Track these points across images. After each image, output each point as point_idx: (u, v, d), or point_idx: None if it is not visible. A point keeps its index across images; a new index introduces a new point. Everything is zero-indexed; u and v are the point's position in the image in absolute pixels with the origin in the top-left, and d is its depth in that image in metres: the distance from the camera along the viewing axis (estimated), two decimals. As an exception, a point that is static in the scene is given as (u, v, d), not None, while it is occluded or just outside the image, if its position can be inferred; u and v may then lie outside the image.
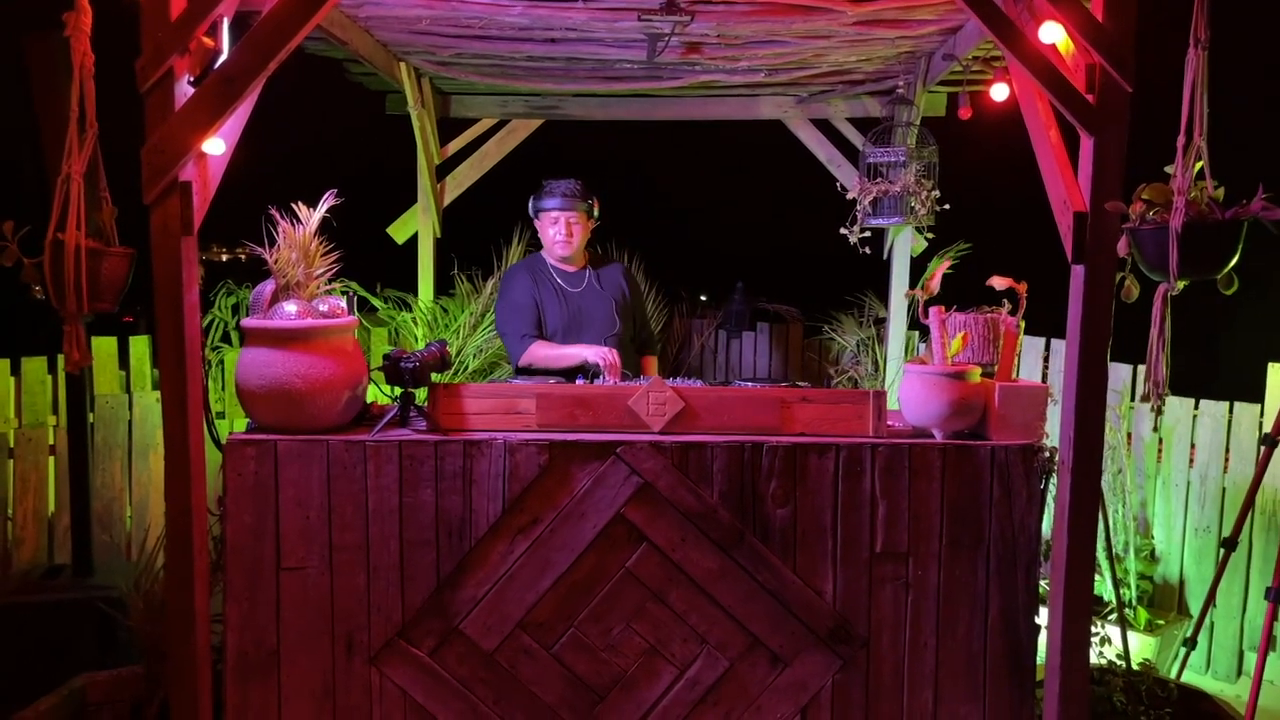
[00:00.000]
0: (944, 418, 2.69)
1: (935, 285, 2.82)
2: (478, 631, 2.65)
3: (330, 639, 2.63)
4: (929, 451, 2.67)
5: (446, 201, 4.93)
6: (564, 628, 2.66)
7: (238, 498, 2.58)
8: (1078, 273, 2.52)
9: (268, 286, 2.69)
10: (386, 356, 2.69)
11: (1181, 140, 2.39)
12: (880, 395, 2.76)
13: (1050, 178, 2.61)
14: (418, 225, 4.86)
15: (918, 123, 4.17)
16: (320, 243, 2.74)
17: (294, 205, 2.73)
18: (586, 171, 3.78)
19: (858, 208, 4.09)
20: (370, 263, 5.24)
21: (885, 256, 4.83)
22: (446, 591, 2.64)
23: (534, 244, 4.86)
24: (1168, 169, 2.44)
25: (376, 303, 4.73)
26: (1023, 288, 2.82)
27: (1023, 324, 2.84)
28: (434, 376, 2.78)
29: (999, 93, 3.12)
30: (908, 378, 2.77)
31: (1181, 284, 2.41)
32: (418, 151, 4.70)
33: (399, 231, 4.90)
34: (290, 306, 2.65)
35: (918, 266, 4.80)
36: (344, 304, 2.77)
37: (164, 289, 2.45)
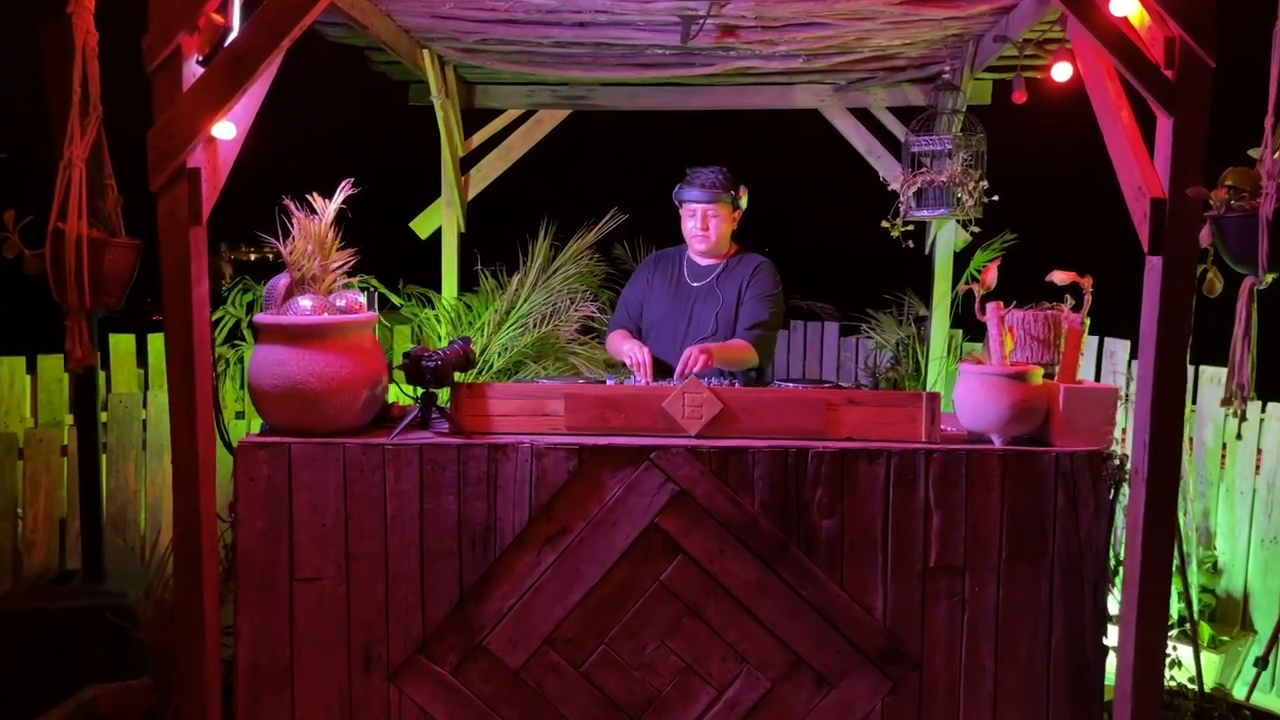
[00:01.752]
0: (1004, 422, 2.49)
1: (991, 279, 2.63)
2: (503, 647, 2.49)
3: (347, 653, 2.47)
4: (988, 458, 2.48)
5: (471, 195, 4.78)
6: (594, 644, 2.49)
7: (250, 503, 2.43)
8: (1154, 265, 2.32)
9: (281, 280, 2.54)
10: (407, 355, 2.54)
11: (1270, 120, 2.19)
12: (934, 397, 2.57)
13: (1123, 162, 2.41)
14: (441, 220, 4.71)
15: (964, 109, 3.97)
16: (337, 235, 2.59)
17: (309, 196, 2.58)
18: (613, 164, 3.62)
19: (901, 199, 3.89)
20: (392, 259, 5.11)
21: (926, 251, 4.63)
22: (470, 604, 2.48)
23: (560, 239, 4.72)
24: (1252, 152, 2.24)
25: (398, 300, 4.59)
26: (1087, 282, 2.62)
27: (1087, 321, 2.64)
28: (457, 376, 2.63)
29: (1060, 73, 2.92)
30: (964, 379, 2.57)
31: (1270, 277, 2.21)
32: (441, 143, 4.55)
33: (422, 226, 4.75)
34: (305, 302, 2.50)
35: (960, 262, 4.60)
36: (363, 299, 2.62)
37: (171, 281, 2.31)
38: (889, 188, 4.09)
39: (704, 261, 3.42)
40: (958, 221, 4.07)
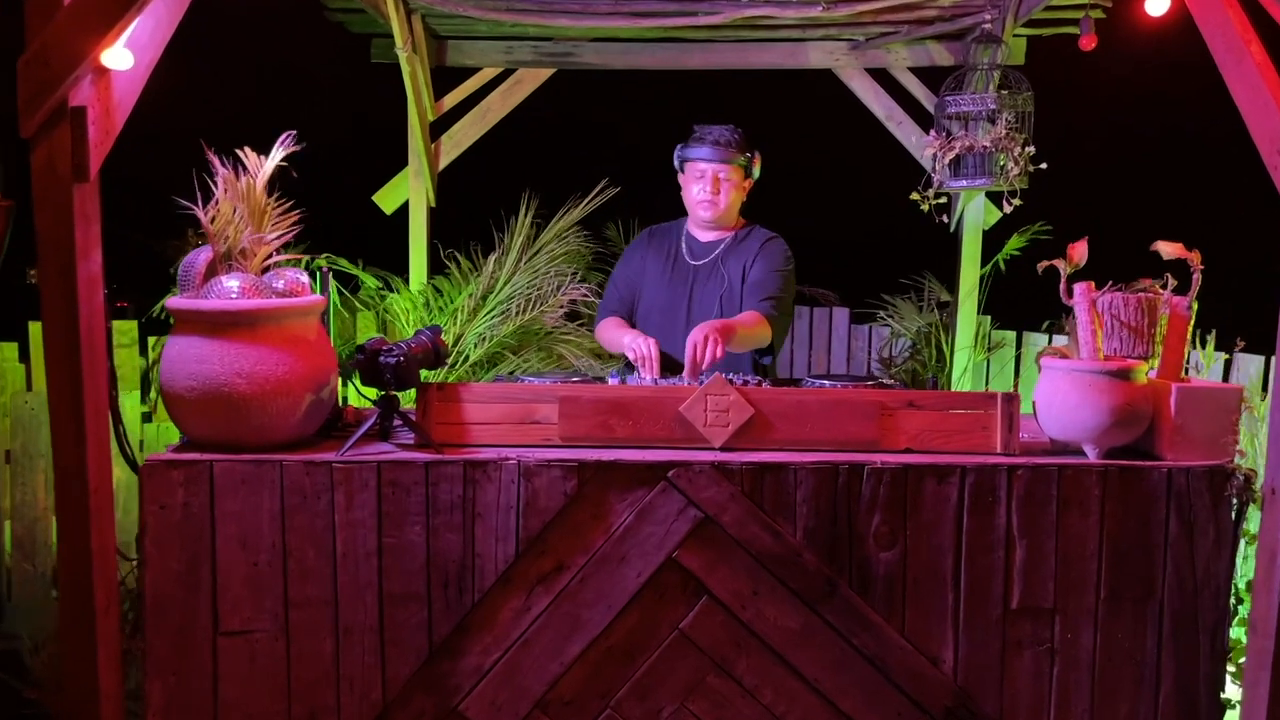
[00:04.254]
0: (1102, 429, 2.02)
1: (1080, 254, 2.15)
2: (484, 713, 1.99)
3: (287, 724, 1.97)
4: (1083, 475, 2.01)
5: (443, 164, 4.24)
6: (598, 708, 2.01)
7: (161, 538, 1.92)
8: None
9: (202, 256, 2.02)
10: (361, 348, 2.02)
11: None
12: (1012, 399, 2.10)
13: (1253, 108, 1.95)
14: (408, 192, 4.17)
15: (1003, 65, 3.48)
16: (274, 199, 2.07)
17: (241, 151, 2.05)
18: (602, 131, 3.08)
19: (935, 168, 3.40)
20: (356, 237, 4.58)
21: (952, 229, 4.16)
22: (442, 660, 1.98)
23: (544, 215, 4.20)
24: None
25: (367, 278, 4.03)
26: (1196, 257, 2.15)
27: (1195, 305, 2.17)
28: (425, 375, 2.12)
29: (1156, 6, 2.44)
30: (1049, 377, 2.10)
31: None
32: (408, 105, 4.00)
33: (387, 199, 4.21)
34: (231, 282, 1.98)
35: (989, 243, 4.14)
36: (305, 278, 2.10)
37: (50, 252, 1.79)
38: (924, 153, 3.61)
39: (707, 236, 2.90)
40: (1006, 194, 3.55)
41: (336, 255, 4.09)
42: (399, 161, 4.22)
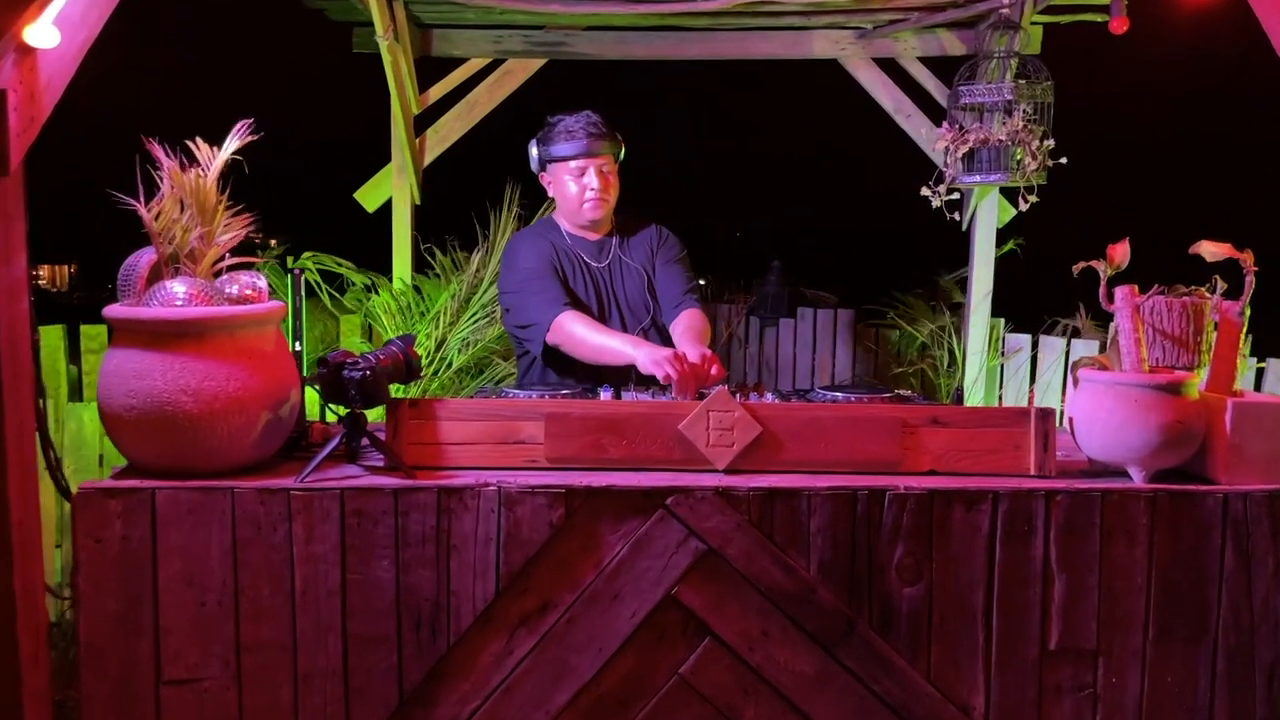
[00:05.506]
0: (1150, 449, 1.82)
1: (1122, 255, 1.95)
2: (461, 769, 1.78)
3: (241, 782, 1.76)
4: (1130, 501, 1.80)
5: (428, 160, 4.03)
6: (588, 762, 1.80)
7: (97, 576, 1.71)
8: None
9: (144, 258, 1.81)
10: (323, 361, 1.81)
11: None
12: (1046, 415, 1.90)
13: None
14: (391, 190, 3.96)
15: (1021, 53, 3.27)
16: (225, 196, 1.86)
17: (193, 144, 1.84)
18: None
19: (946, 162, 3.19)
20: (346, 235, 4.36)
21: (964, 228, 3.96)
22: (414, 710, 1.78)
23: (528, 208, 3.98)
24: None
25: (356, 277, 3.80)
26: (1248, 257, 1.95)
27: (1248, 312, 1.97)
28: (397, 390, 1.91)
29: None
30: (1089, 391, 1.89)
31: None
32: (391, 97, 3.79)
33: (369, 197, 3.99)
34: (177, 287, 1.77)
35: (1003, 240, 3.93)
36: (263, 283, 1.89)
37: (-37, 258, 1.57)
38: (935, 146, 3.40)
39: (593, 236, 2.65)
40: (1022, 190, 3.34)
41: (323, 254, 3.88)
42: (382, 158, 4.00)
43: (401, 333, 3.23)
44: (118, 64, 1.77)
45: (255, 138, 1.88)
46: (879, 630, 1.81)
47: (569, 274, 2.61)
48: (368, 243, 4.26)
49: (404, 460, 1.83)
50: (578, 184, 2.56)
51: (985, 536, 1.80)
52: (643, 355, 2.26)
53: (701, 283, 4.85)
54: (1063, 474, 1.88)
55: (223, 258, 1.84)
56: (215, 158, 1.85)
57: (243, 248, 1.91)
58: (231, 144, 1.86)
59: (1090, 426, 1.88)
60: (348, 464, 1.88)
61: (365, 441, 1.87)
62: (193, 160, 1.84)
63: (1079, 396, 1.93)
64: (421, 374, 2.25)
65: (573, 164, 2.55)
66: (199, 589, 1.73)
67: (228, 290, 1.84)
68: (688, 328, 2.52)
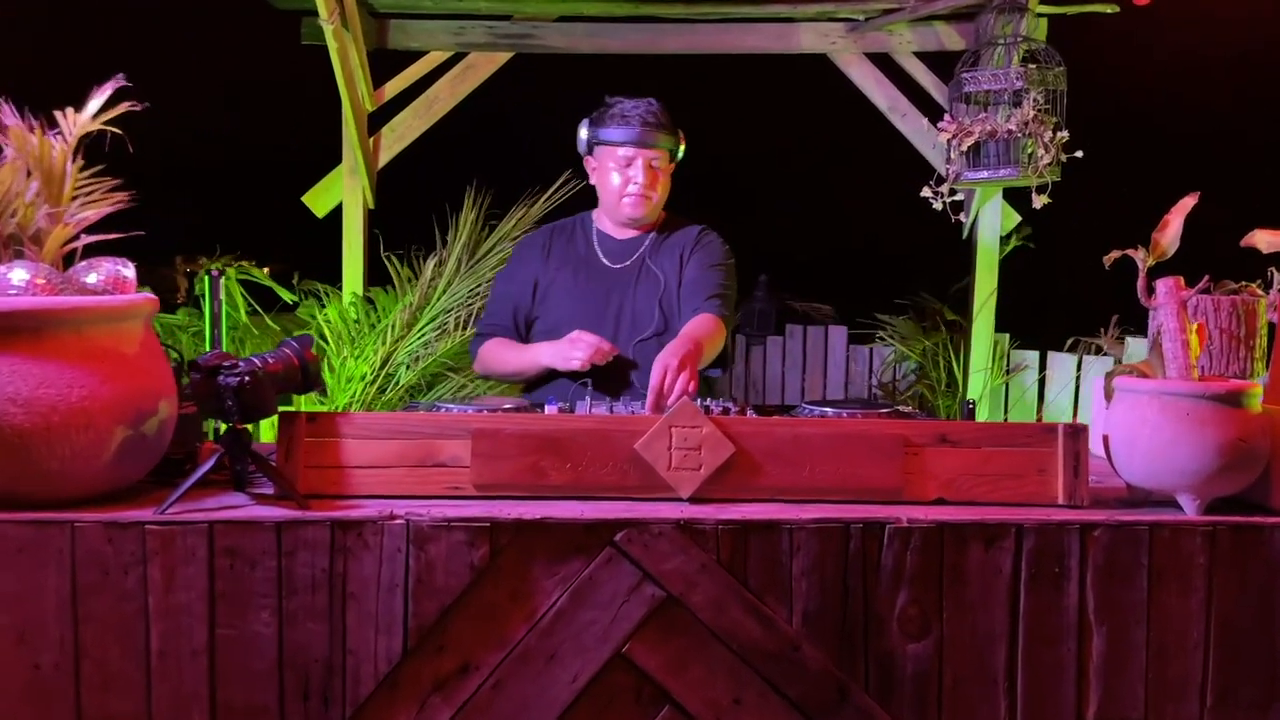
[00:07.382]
0: (1206, 474, 1.49)
1: (1171, 238, 1.63)
2: None
3: None
4: (1184, 537, 1.48)
5: (383, 161, 3.72)
6: None
7: (-100, 631, 1.36)
8: None
9: (-26, 237, 1.48)
10: (195, 364, 1.48)
11: None
12: (1078, 432, 1.57)
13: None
14: (342, 193, 3.64)
15: (1028, 37, 2.98)
16: (82, 167, 1.53)
17: (61, 113, 1.53)
18: (565, 124, 2.54)
19: (949, 157, 2.89)
20: (296, 241, 4.05)
21: (965, 234, 3.66)
22: (301, 799, 1.43)
23: (496, 215, 3.67)
24: None
25: (287, 296, 3.50)
26: (1313, 246, 1.64)
27: (1315, 310, 1.66)
28: (301, 402, 1.58)
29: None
30: (1128, 404, 1.57)
31: None
32: (340, 92, 3.48)
33: (318, 201, 3.68)
34: (14, 273, 1.44)
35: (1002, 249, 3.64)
36: (130, 273, 1.56)
37: None
38: (937, 139, 3.10)
39: (625, 234, 2.38)
40: (1035, 188, 3.02)
41: (272, 268, 3.57)
42: (333, 159, 3.70)
43: (347, 346, 2.92)
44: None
45: (135, 106, 1.57)
46: (877, 697, 1.47)
47: (565, 273, 2.36)
48: (323, 251, 3.95)
49: (298, 487, 1.49)
50: (622, 175, 2.29)
51: (1007, 580, 1.47)
52: (547, 354, 2.14)
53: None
54: (1098, 503, 1.56)
55: (74, 239, 1.52)
56: (77, 120, 1.54)
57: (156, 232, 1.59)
58: (94, 104, 1.54)
59: (1130, 446, 1.56)
60: (235, 492, 1.55)
61: (253, 467, 1.53)
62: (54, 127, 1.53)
63: (1115, 410, 1.61)
64: (322, 383, 1.92)
65: (620, 152, 2.28)
66: (31, 648, 1.39)
67: (84, 279, 1.52)
68: (683, 331, 2.19)
